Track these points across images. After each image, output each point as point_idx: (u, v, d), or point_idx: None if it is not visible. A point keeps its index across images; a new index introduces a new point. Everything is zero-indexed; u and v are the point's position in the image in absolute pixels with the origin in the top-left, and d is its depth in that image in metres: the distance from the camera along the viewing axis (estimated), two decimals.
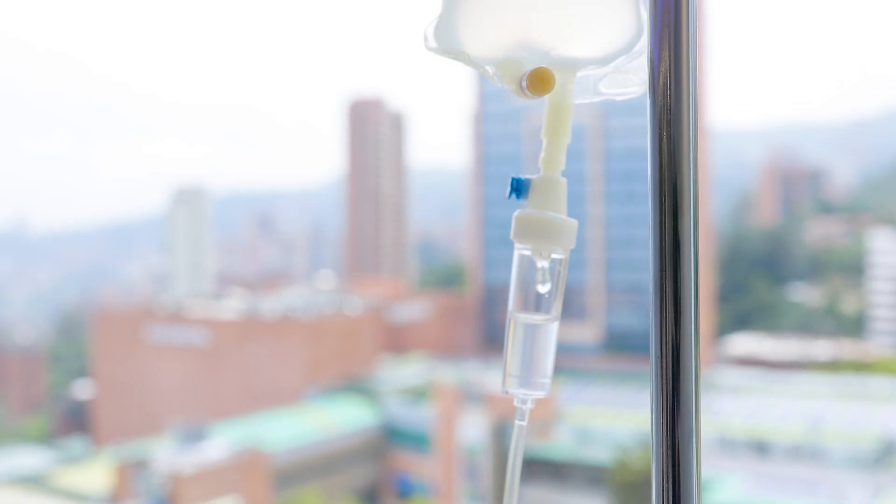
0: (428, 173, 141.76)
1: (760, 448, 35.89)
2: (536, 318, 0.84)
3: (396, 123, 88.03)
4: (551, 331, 0.84)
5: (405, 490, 38.05)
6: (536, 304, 0.84)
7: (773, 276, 66.80)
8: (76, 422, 59.21)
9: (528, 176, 0.85)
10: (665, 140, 0.74)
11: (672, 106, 0.75)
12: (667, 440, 0.73)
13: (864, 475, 32.20)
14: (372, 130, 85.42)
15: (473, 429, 34.14)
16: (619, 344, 54.69)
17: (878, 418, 36.31)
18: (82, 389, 61.54)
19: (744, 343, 55.61)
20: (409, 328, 59.88)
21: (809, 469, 33.40)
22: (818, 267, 68.10)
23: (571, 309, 56.86)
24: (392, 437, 39.39)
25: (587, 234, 57.58)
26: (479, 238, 63.01)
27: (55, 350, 77.25)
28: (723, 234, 70.90)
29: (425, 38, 0.85)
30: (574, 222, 0.84)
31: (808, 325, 61.36)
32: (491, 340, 60.47)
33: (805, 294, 66.66)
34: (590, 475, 34.70)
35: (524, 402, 0.85)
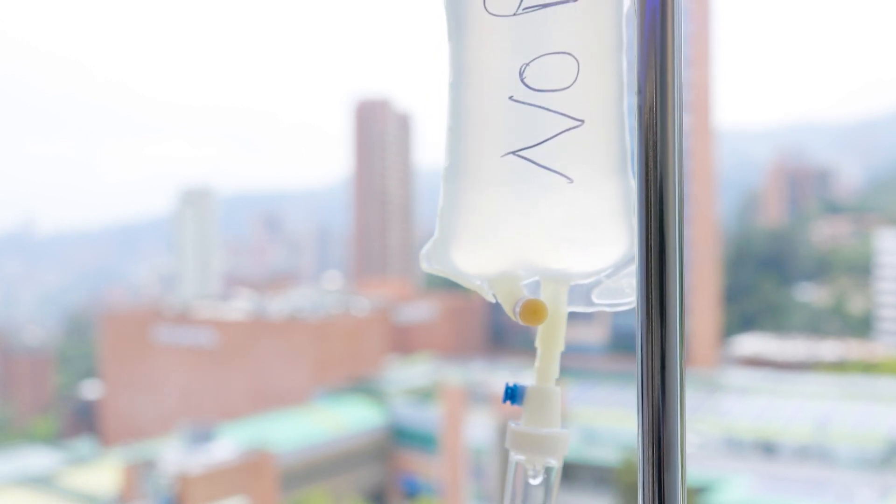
0: (434, 174, 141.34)
1: (767, 448, 35.85)
2: None
3: (403, 124, 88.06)
4: None
5: (412, 490, 38.10)
6: None
7: (779, 276, 66.67)
8: (84, 422, 59.38)
9: (522, 384, 0.86)
10: (651, 158, 0.75)
11: (658, 119, 0.74)
12: (652, 441, 0.74)
13: (871, 476, 32.14)
14: (379, 131, 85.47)
15: (480, 429, 34.16)
16: (625, 344, 54.62)
17: (886, 419, 36.22)
18: (90, 390, 61.73)
19: (750, 343, 55.52)
20: (415, 329, 59.93)
21: (816, 469, 33.35)
22: (825, 267, 67.93)
23: None
24: (399, 438, 39.44)
25: None
26: None
27: (63, 351, 77.46)
28: (729, 234, 70.81)
29: (421, 260, 0.88)
30: (567, 434, 0.85)
31: (814, 325, 61.23)
32: (498, 341, 60.49)
33: (812, 294, 66.50)
34: (596, 475, 34.73)
35: None
